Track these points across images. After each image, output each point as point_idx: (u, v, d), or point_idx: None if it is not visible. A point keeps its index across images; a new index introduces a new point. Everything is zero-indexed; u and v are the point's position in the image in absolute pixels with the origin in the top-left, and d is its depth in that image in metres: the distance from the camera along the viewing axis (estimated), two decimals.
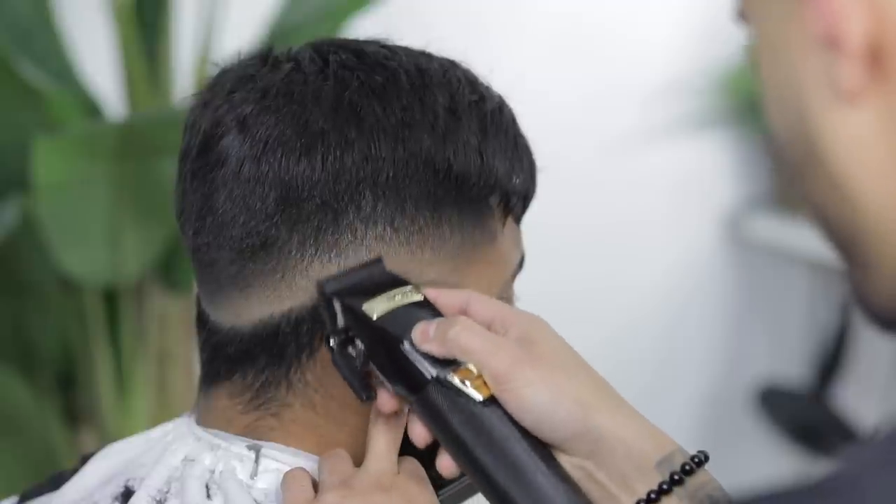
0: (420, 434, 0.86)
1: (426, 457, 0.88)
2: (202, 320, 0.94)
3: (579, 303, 2.51)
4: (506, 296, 0.95)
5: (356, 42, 0.94)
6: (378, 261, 0.88)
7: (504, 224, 0.94)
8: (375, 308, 0.86)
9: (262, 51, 0.94)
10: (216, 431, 0.92)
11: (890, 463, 0.53)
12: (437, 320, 0.86)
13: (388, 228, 0.89)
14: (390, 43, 0.94)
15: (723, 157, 2.69)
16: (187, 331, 1.88)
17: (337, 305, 0.87)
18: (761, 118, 2.51)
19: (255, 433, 0.91)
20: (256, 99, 0.90)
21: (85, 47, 1.96)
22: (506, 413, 0.83)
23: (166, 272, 1.84)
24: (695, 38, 2.59)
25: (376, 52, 0.92)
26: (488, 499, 0.84)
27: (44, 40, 1.84)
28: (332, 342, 0.87)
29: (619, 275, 2.63)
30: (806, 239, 2.54)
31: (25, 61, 1.74)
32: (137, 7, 1.85)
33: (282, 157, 0.88)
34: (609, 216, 2.60)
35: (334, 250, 0.88)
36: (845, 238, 0.60)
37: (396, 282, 0.88)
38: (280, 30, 1.83)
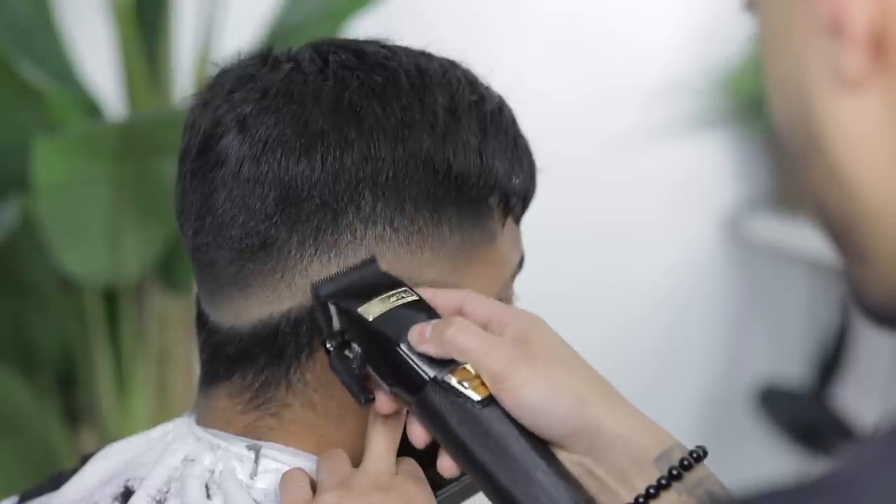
0: (419, 435, 0.86)
1: (425, 457, 0.88)
2: (202, 320, 0.94)
3: (579, 303, 2.51)
4: (505, 296, 0.95)
5: (356, 42, 0.94)
6: (372, 261, 0.88)
7: (504, 224, 0.94)
8: (371, 310, 0.86)
9: (262, 51, 0.94)
10: (216, 431, 0.92)
11: (888, 460, 0.53)
12: (434, 321, 0.86)
13: (388, 228, 0.89)
14: (390, 43, 0.94)
15: (723, 157, 2.69)
16: (187, 331, 1.88)
17: (332, 309, 0.86)
18: (761, 118, 2.51)
19: (254, 433, 0.91)
20: (256, 99, 0.90)
21: (85, 47, 1.96)
22: (504, 412, 0.83)
23: (166, 272, 1.84)
24: (695, 38, 2.59)
25: (376, 52, 0.92)
26: (490, 498, 0.84)
27: (44, 40, 1.84)
28: (328, 346, 0.86)
29: (619, 275, 2.63)
30: (806, 239, 2.54)
31: (25, 61, 1.74)
32: (137, 7, 1.85)
33: (281, 157, 0.88)
34: (609, 216, 2.60)
35: (334, 250, 0.88)
36: (842, 231, 0.60)
37: (391, 282, 0.88)
38: (280, 30, 1.83)
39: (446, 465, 0.85)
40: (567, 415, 0.82)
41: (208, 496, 0.90)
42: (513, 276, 0.96)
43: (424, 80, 0.91)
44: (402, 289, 0.87)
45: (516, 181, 0.94)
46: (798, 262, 2.73)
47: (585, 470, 0.83)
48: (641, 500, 0.82)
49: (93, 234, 1.73)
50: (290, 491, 0.87)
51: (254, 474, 0.90)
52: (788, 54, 0.60)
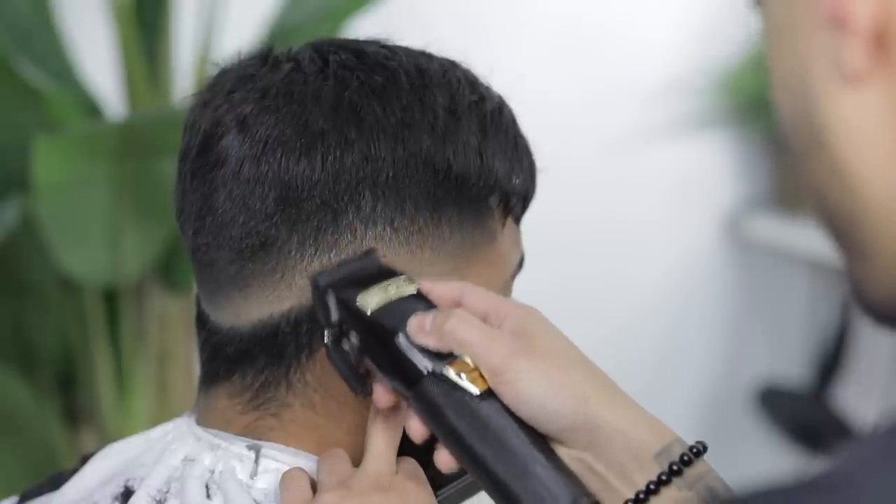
0: (417, 430, 0.85)
1: (424, 456, 0.88)
2: (202, 320, 0.94)
3: (579, 302, 2.51)
4: (505, 296, 0.95)
5: (356, 42, 0.94)
6: (370, 252, 0.88)
7: (504, 224, 0.94)
8: (369, 301, 0.86)
9: (262, 51, 0.94)
10: (216, 431, 0.92)
11: (887, 459, 0.53)
12: (433, 313, 0.85)
13: (388, 228, 0.89)
14: (390, 43, 0.94)
15: (723, 157, 2.69)
16: (187, 331, 1.88)
17: (330, 299, 0.86)
18: (761, 118, 2.51)
19: (254, 433, 0.91)
20: (256, 99, 0.90)
21: (85, 47, 1.96)
22: (503, 405, 0.83)
23: (166, 272, 1.84)
24: (695, 38, 2.59)
25: (376, 52, 0.92)
26: (488, 492, 0.84)
27: (44, 40, 1.84)
28: (326, 337, 0.86)
29: (619, 274, 2.63)
30: (806, 239, 2.54)
31: (25, 61, 1.74)
32: (137, 7, 1.85)
33: (281, 157, 0.88)
34: (609, 216, 2.60)
35: (334, 250, 0.88)
36: (843, 227, 0.60)
37: (389, 273, 0.87)
38: (280, 30, 1.83)
39: (443, 459, 0.85)
40: (566, 409, 0.82)
41: (208, 496, 0.90)
42: (513, 276, 0.96)
43: (424, 80, 0.91)
44: (402, 279, 0.87)
45: (516, 181, 0.94)
46: (798, 262, 2.73)
47: (585, 465, 0.83)
48: (642, 496, 0.81)
49: (93, 234, 1.73)
50: (290, 491, 0.87)
51: (254, 474, 0.90)
52: (792, 49, 0.60)
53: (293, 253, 0.89)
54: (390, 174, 0.89)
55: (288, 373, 0.90)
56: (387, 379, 0.85)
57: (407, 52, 0.94)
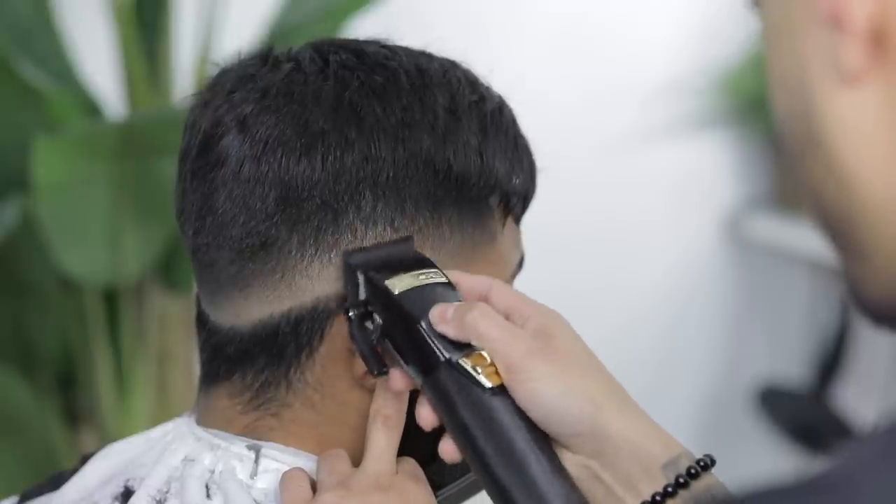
0: (427, 417, 0.86)
1: (425, 455, 0.88)
2: (202, 320, 0.94)
3: (579, 302, 2.49)
4: None
5: (356, 42, 0.94)
6: (408, 238, 0.88)
7: (504, 224, 0.94)
8: (398, 284, 0.86)
9: (262, 51, 0.94)
10: (216, 431, 0.92)
11: (886, 459, 0.53)
12: (457, 303, 0.86)
13: (388, 228, 0.89)
14: (390, 43, 0.94)
15: (723, 157, 2.69)
16: (187, 331, 1.88)
17: (360, 278, 0.87)
18: (761, 118, 2.51)
19: (254, 433, 0.91)
20: (256, 99, 0.90)
21: (85, 47, 1.96)
22: (513, 404, 0.83)
23: (166, 272, 1.84)
24: (695, 38, 2.59)
25: (376, 52, 0.92)
26: (484, 486, 0.84)
27: (44, 40, 1.84)
28: (350, 314, 0.87)
29: (619, 274, 2.63)
30: (806, 239, 2.54)
31: (25, 61, 1.74)
32: (137, 7, 1.85)
33: (282, 157, 0.88)
34: (609, 216, 2.60)
35: (334, 250, 0.88)
36: (840, 227, 0.60)
37: (423, 262, 0.88)
38: (280, 30, 1.83)
39: (447, 448, 0.85)
40: (579, 416, 0.82)
41: (208, 496, 0.90)
42: (513, 276, 0.96)
43: (425, 80, 0.91)
44: (433, 269, 0.88)
45: (516, 181, 0.94)
46: (798, 262, 2.73)
47: (591, 473, 0.83)
48: None
49: (93, 234, 1.73)
50: (290, 491, 0.88)
51: (254, 474, 0.90)
52: (790, 49, 0.60)
53: (293, 253, 0.89)
54: (390, 174, 0.89)
55: (288, 373, 0.90)
56: (404, 363, 0.86)
57: (407, 52, 0.94)
